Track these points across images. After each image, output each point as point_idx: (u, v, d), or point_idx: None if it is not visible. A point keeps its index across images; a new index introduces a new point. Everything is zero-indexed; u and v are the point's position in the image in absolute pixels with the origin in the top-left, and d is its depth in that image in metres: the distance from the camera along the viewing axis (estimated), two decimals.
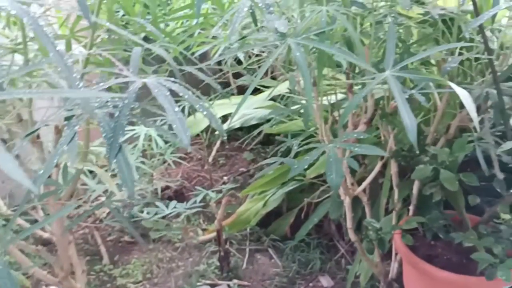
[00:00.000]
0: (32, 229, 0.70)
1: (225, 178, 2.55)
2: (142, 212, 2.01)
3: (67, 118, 0.58)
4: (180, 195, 2.37)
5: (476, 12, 0.92)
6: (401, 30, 1.17)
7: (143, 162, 1.92)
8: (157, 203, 1.44)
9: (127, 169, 0.53)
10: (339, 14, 0.77)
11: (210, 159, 2.62)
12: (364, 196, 1.45)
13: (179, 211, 1.55)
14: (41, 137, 0.81)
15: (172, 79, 0.62)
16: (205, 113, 0.60)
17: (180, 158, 2.71)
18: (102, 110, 0.60)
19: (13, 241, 0.77)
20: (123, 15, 1.01)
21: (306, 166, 0.83)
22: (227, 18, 1.01)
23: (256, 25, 0.96)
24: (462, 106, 1.23)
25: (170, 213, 1.59)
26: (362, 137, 0.84)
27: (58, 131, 0.79)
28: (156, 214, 1.41)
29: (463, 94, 0.70)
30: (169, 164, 2.22)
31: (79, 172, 0.77)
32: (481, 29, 0.94)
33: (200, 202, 1.74)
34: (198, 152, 2.59)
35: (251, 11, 0.97)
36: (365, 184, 1.29)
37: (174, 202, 1.53)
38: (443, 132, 1.30)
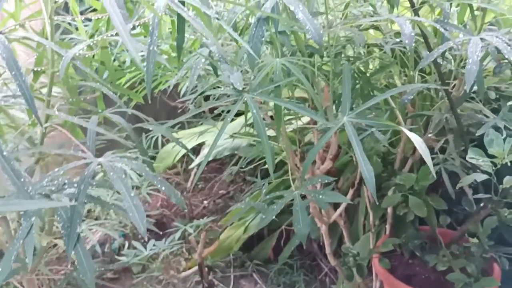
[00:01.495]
0: None
1: (205, 202, 2.55)
2: (123, 246, 2.01)
3: None
4: (161, 225, 2.35)
5: (428, 47, 0.94)
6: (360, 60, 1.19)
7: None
8: (135, 243, 1.43)
9: (86, 259, 0.53)
10: (292, 66, 0.78)
11: (189, 184, 2.61)
12: (340, 219, 1.46)
13: (160, 247, 1.54)
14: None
15: (131, 156, 0.62)
16: (163, 188, 0.61)
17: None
18: (60, 193, 0.60)
19: None
20: None
21: (274, 217, 0.84)
22: (189, 66, 1.01)
23: (217, 75, 0.96)
24: (426, 128, 1.26)
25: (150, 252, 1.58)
26: (326, 181, 0.85)
27: None
28: (135, 255, 1.40)
29: (416, 140, 0.71)
30: (148, 193, 2.21)
31: (44, 249, 0.76)
32: (434, 63, 0.96)
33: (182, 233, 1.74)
34: (177, 177, 2.58)
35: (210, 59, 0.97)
36: (339, 210, 1.31)
37: (152, 241, 1.52)
38: (410, 153, 1.32)
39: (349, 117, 0.80)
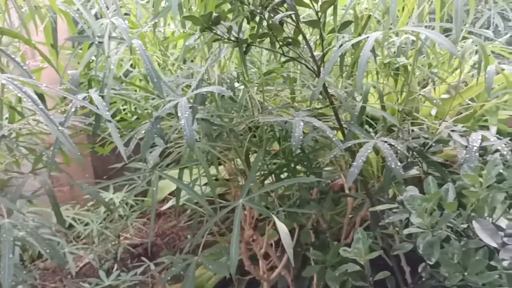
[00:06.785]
0: None
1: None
2: (112, 267, 2.17)
3: None
4: (150, 253, 2.50)
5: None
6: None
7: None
8: (100, 272, 1.59)
9: None
10: (199, 152, 0.92)
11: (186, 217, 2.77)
12: (289, 276, 1.55)
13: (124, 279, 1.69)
14: None
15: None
16: (48, 250, 0.76)
17: (159, 213, 2.88)
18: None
19: None
20: None
21: None
22: None
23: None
24: (362, 205, 1.35)
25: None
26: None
27: None
28: (97, 284, 1.55)
29: (282, 230, 0.82)
30: (148, 219, 2.40)
31: None
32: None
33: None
34: (167, 210, 2.74)
35: None
36: (277, 271, 1.40)
37: (116, 273, 1.67)
38: (352, 224, 1.41)
39: (244, 200, 0.92)
